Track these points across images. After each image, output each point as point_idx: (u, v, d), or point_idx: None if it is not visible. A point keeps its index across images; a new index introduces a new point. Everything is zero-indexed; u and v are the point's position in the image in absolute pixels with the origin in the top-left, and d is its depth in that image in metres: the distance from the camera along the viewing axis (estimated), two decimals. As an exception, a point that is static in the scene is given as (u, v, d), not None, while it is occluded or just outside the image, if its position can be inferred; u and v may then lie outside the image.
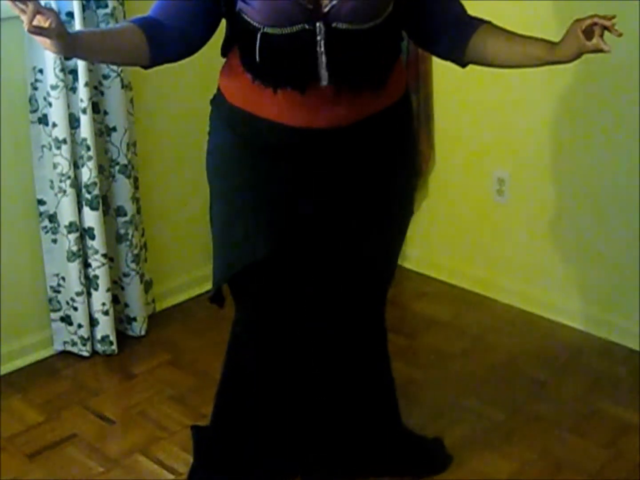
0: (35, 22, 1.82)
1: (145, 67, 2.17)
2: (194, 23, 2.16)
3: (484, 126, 3.52)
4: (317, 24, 2.08)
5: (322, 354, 2.53)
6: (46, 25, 1.84)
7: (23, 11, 1.81)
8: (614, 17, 2.00)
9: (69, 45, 1.92)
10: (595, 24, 2.00)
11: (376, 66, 2.19)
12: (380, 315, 2.57)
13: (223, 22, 2.20)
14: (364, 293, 2.48)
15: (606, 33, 1.99)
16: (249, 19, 2.11)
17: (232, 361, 2.56)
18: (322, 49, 2.10)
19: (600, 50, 2.01)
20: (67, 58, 2.91)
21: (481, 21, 2.23)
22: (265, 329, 2.46)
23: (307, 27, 2.08)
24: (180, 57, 2.21)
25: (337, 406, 2.59)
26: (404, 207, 2.46)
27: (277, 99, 2.16)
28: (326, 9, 2.07)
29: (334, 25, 2.08)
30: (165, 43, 2.14)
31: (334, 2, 2.06)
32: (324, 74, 2.13)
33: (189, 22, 2.16)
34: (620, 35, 1.99)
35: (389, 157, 2.34)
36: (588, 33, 2.01)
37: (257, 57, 2.12)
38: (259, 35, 2.10)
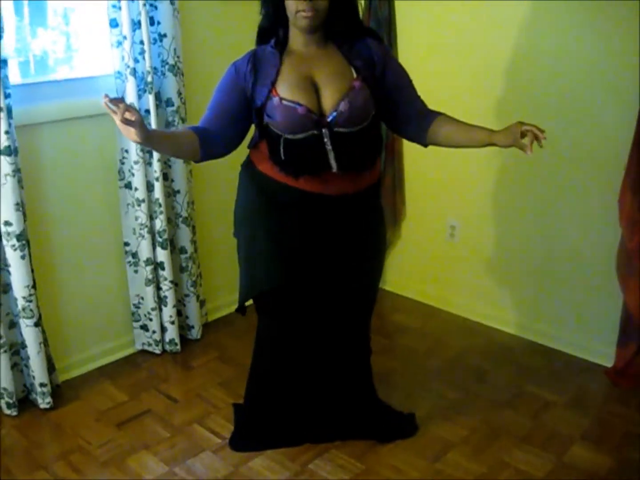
0: (126, 116, 1.85)
1: (196, 162, 2.20)
2: (232, 130, 2.19)
3: (441, 190, 3.52)
4: (323, 130, 2.11)
5: (324, 353, 2.51)
6: (133, 118, 1.87)
7: (114, 112, 1.85)
8: (544, 131, 1.97)
9: (146, 136, 1.95)
10: (531, 131, 1.97)
11: (368, 153, 2.21)
12: (367, 326, 2.55)
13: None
14: (356, 309, 2.47)
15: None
16: (273, 129, 2.13)
17: (257, 356, 2.55)
18: (330, 147, 2.12)
19: (524, 150, 1.98)
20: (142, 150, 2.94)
21: (438, 113, 2.24)
22: (281, 333, 2.44)
23: (316, 132, 2.10)
24: (222, 155, 2.24)
25: (332, 388, 2.57)
26: (382, 247, 2.47)
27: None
28: (329, 119, 2.10)
29: (335, 129, 2.11)
30: (211, 145, 2.17)
31: (334, 114, 2.09)
32: (333, 163, 2.15)
33: (229, 130, 2.18)
34: (541, 146, 1.96)
35: (369, 215, 2.35)
36: (523, 133, 1.99)
37: (282, 155, 2.13)
38: (282, 140, 2.12)
